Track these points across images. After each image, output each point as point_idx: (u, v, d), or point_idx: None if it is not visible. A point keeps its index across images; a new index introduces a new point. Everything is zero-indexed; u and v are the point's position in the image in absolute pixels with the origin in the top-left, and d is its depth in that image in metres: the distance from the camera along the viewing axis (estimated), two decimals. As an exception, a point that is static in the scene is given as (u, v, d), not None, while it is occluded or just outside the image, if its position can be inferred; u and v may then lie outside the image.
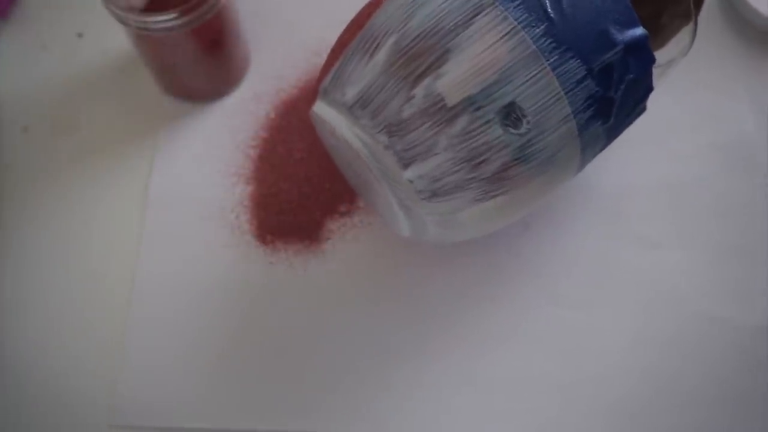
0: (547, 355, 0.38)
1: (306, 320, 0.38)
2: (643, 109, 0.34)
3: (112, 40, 0.45)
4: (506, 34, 0.29)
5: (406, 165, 0.29)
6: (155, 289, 0.39)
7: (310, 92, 0.43)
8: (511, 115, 0.29)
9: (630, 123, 0.34)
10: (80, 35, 0.46)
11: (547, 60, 0.29)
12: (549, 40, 0.29)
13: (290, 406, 0.37)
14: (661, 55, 0.34)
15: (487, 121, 0.29)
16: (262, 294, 0.39)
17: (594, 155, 0.33)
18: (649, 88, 0.32)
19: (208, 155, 0.42)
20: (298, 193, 0.41)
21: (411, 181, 0.30)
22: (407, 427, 0.36)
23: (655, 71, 0.34)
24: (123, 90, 0.45)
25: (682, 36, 0.35)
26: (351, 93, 0.30)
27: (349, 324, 0.38)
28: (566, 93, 0.29)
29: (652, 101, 0.40)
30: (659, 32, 0.34)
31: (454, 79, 0.29)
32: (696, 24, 0.34)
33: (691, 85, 0.44)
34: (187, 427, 0.36)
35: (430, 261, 0.39)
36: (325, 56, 0.44)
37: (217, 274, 0.39)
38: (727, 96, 0.44)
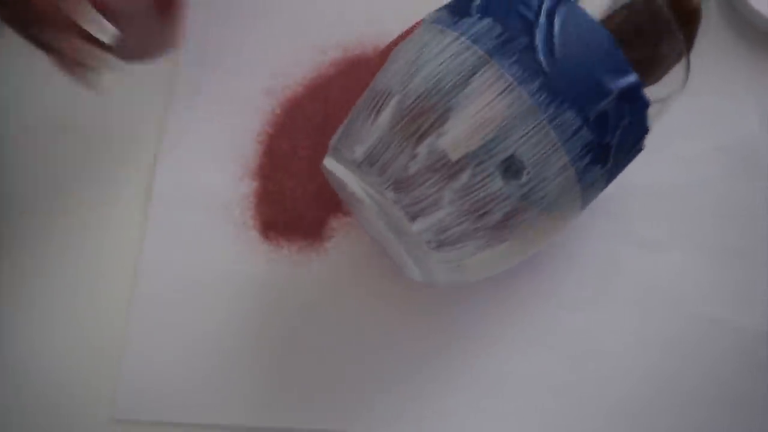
0: (547, 355, 0.38)
1: (308, 317, 0.39)
2: (640, 149, 0.35)
3: (112, 39, 0.46)
4: (503, 92, 0.30)
5: (413, 218, 0.31)
6: (158, 283, 0.40)
7: (315, 90, 0.44)
8: (511, 167, 0.30)
9: (628, 163, 0.35)
10: None
11: (544, 113, 0.30)
12: (544, 94, 0.30)
13: (291, 402, 0.38)
14: (658, 91, 0.35)
15: (489, 175, 0.30)
16: (265, 290, 0.40)
17: (595, 195, 0.34)
18: (646, 130, 0.34)
19: (213, 151, 0.43)
20: (302, 191, 0.42)
21: (419, 233, 0.31)
22: (407, 426, 0.37)
23: (653, 108, 0.35)
24: (124, 87, 0.45)
25: (677, 72, 0.36)
26: (359, 151, 0.32)
27: (351, 323, 0.39)
28: (563, 143, 0.31)
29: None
30: (653, 70, 0.35)
31: (456, 136, 0.30)
32: (689, 61, 0.35)
33: (694, 88, 0.44)
34: (190, 422, 0.37)
35: None
36: (330, 54, 0.45)
37: (221, 270, 0.41)
38: (731, 99, 0.44)
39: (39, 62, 0.46)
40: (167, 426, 0.38)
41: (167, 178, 0.43)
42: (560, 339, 0.39)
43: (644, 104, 0.32)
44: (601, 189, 0.34)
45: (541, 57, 0.30)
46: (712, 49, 0.45)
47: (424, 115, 0.30)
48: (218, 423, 0.38)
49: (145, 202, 0.43)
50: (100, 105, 0.45)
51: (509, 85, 0.30)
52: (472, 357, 0.38)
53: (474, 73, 0.30)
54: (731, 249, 0.40)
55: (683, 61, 0.35)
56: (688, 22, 0.37)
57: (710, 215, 0.41)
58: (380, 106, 0.32)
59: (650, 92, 0.34)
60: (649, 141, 0.43)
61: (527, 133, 0.30)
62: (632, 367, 0.38)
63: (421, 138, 0.30)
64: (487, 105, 0.30)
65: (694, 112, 0.44)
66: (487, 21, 0.31)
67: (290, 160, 0.42)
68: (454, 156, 0.30)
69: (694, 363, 0.38)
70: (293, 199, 0.42)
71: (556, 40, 0.31)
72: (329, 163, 0.33)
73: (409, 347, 0.39)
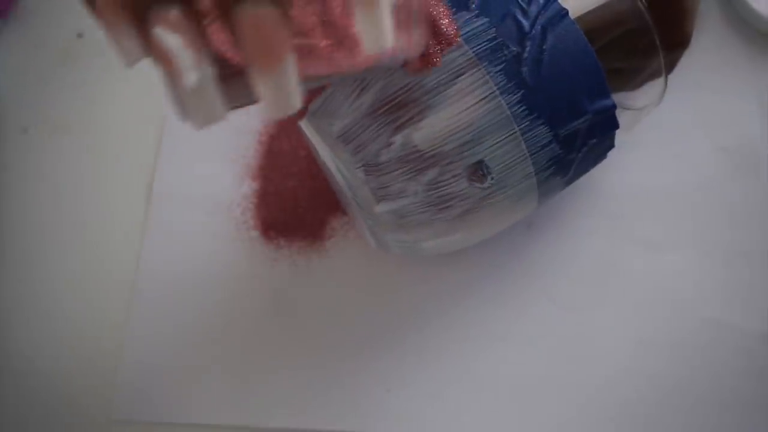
0: (547, 356, 0.38)
1: (308, 318, 0.40)
2: (602, 159, 0.37)
3: (112, 39, 0.45)
4: (484, 98, 0.31)
5: (378, 200, 0.32)
6: (158, 283, 0.40)
7: (314, 92, 0.44)
8: (477, 171, 0.32)
9: (587, 172, 0.37)
10: (80, 35, 0.47)
11: (519, 125, 0.31)
12: (523, 107, 0.31)
13: (291, 402, 0.38)
14: (634, 101, 0.37)
15: (456, 175, 0.32)
16: (265, 290, 0.40)
17: (551, 199, 0.36)
18: (611, 146, 0.35)
19: (214, 151, 0.43)
20: (302, 191, 0.42)
21: (380, 214, 0.33)
22: (406, 425, 0.38)
23: (628, 116, 0.37)
24: (123, 89, 0.45)
25: (656, 86, 0.37)
26: (336, 126, 0.32)
27: (350, 322, 0.40)
28: (531, 155, 0.32)
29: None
30: (627, 80, 0.36)
31: (432, 134, 0.31)
32: (666, 81, 0.37)
33: (697, 88, 0.44)
34: (189, 422, 0.38)
35: (432, 260, 0.41)
36: None
37: (221, 270, 0.41)
38: (731, 99, 0.43)
39: (39, 62, 0.45)
40: (165, 426, 0.38)
41: (167, 178, 0.43)
42: (560, 340, 0.39)
43: (614, 127, 0.34)
44: (558, 193, 0.36)
45: (527, 70, 0.31)
46: (712, 49, 0.44)
47: (405, 107, 0.31)
48: (217, 423, 0.38)
49: (145, 202, 0.43)
50: (100, 105, 0.44)
51: (491, 93, 0.31)
52: (471, 357, 0.39)
53: (460, 75, 0.31)
54: (732, 249, 0.40)
55: (662, 77, 0.36)
56: (676, 46, 0.38)
57: (710, 215, 0.41)
58: (365, 85, 0.32)
59: (626, 99, 0.36)
60: (650, 141, 0.43)
61: (499, 142, 0.31)
62: (632, 368, 0.38)
63: (398, 129, 0.31)
64: (466, 109, 0.31)
65: (694, 112, 0.43)
66: (482, 21, 0.31)
67: (290, 160, 0.42)
68: (426, 152, 0.31)
69: (695, 364, 0.38)
70: (293, 199, 0.42)
71: (546, 55, 0.31)
72: (306, 127, 0.34)
73: (409, 347, 0.39)
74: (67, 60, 0.46)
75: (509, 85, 0.31)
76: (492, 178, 0.32)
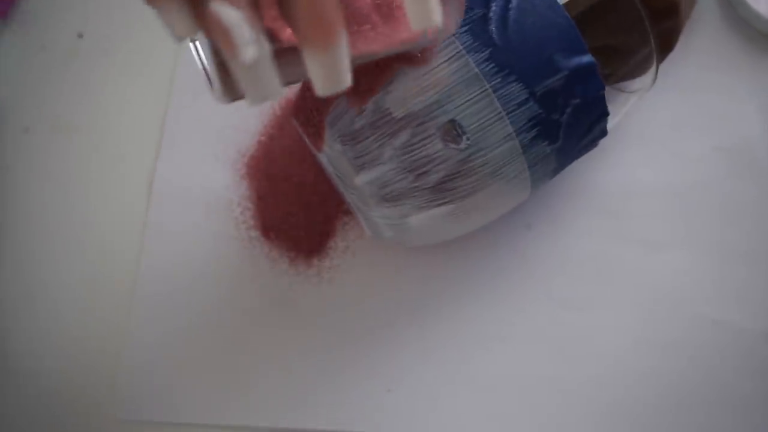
0: (547, 355, 0.38)
1: (308, 318, 0.40)
2: (604, 133, 0.35)
3: (112, 40, 0.46)
4: (450, 58, 0.31)
5: (357, 171, 0.32)
6: (158, 283, 0.41)
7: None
8: (451, 131, 0.31)
9: (588, 145, 0.35)
10: (80, 35, 0.47)
11: (490, 83, 0.31)
12: (492, 65, 0.31)
13: (293, 401, 0.38)
14: (627, 83, 0.36)
15: (429, 136, 0.31)
16: (265, 290, 0.41)
17: (546, 174, 0.35)
18: (604, 113, 0.34)
19: (214, 150, 0.44)
20: (303, 191, 0.42)
21: (362, 186, 0.33)
22: (406, 426, 0.37)
23: (620, 98, 0.36)
24: (124, 88, 0.45)
25: (651, 70, 0.36)
26: (314, 103, 0.33)
27: (350, 322, 0.39)
28: (507, 114, 0.32)
29: (659, 101, 0.41)
30: (621, 60, 0.35)
31: (400, 95, 0.31)
32: (657, 67, 0.36)
33: (696, 88, 0.43)
34: (191, 422, 0.38)
35: (432, 261, 0.40)
36: None
37: (221, 270, 0.41)
38: (731, 99, 0.43)
39: (39, 62, 0.46)
40: (167, 426, 0.38)
41: (167, 178, 0.43)
42: (560, 339, 0.38)
43: (598, 86, 0.33)
44: (553, 167, 0.35)
45: (494, 29, 0.31)
46: (712, 50, 0.44)
47: (375, 73, 0.32)
48: (218, 423, 0.38)
49: (145, 202, 0.43)
50: (101, 105, 0.45)
51: (458, 52, 0.31)
52: (472, 357, 0.38)
53: (426, 38, 0.32)
54: (732, 249, 0.40)
55: (653, 54, 0.36)
56: (665, 17, 0.38)
57: (710, 215, 0.41)
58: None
59: (620, 83, 0.35)
60: (649, 140, 0.42)
61: (470, 100, 0.31)
62: (632, 368, 0.38)
63: (369, 94, 0.32)
64: (433, 69, 0.31)
65: (694, 112, 0.43)
66: (448, -11, 0.32)
67: (290, 160, 0.43)
68: (397, 114, 0.31)
69: (694, 364, 0.38)
70: (293, 200, 0.42)
71: (512, 14, 0.32)
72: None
73: (409, 347, 0.39)
74: (67, 60, 0.46)
75: (476, 44, 0.31)
76: (468, 138, 0.32)
